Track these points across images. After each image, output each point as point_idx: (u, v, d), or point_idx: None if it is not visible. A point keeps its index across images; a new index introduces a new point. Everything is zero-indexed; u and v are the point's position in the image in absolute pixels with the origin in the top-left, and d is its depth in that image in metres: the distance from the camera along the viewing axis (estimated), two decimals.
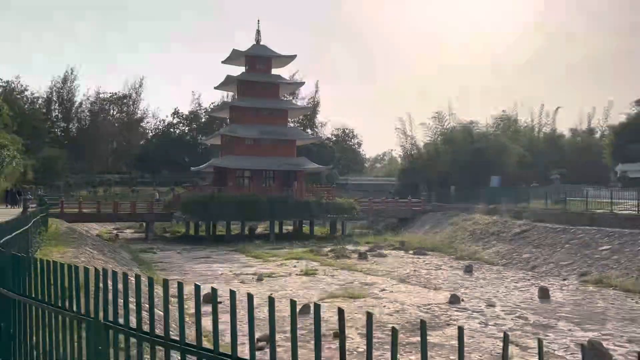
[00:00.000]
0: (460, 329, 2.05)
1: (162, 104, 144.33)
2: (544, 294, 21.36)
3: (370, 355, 2.09)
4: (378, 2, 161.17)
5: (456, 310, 18.59)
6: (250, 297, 2.80)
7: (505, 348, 2.00)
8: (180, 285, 3.04)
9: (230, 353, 2.79)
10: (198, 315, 3.05)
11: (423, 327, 2.04)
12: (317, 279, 25.34)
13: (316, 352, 2.38)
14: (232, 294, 2.89)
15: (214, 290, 3.07)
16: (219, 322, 3.00)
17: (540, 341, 2.23)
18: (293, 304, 2.60)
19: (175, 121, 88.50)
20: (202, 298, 3.11)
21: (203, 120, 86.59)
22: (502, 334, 15.37)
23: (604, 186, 43.16)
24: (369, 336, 2.04)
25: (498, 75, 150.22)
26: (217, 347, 2.91)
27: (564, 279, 25.67)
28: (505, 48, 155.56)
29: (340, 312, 2.24)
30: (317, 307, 2.33)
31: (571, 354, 13.67)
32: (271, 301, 2.72)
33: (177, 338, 3.08)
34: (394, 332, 2.06)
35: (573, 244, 29.60)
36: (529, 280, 25.65)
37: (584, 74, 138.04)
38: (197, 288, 3.01)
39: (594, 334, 15.37)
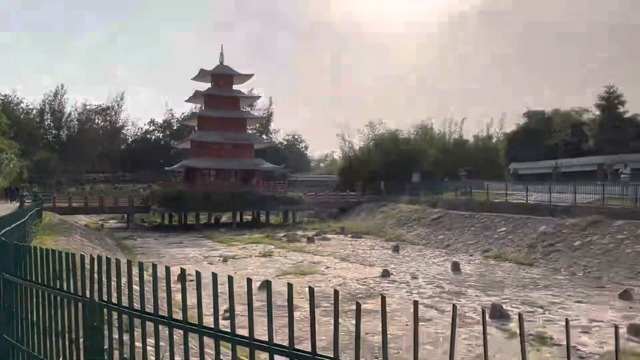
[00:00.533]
0: (415, 303, 2.00)
1: (140, 111, 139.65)
2: (455, 267, 21.82)
3: (337, 327, 2.02)
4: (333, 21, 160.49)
5: (387, 283, 18.78)
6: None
7: (453, 319, 1.96)
8: (167, 269, 2.90)
9: (212, 326, 2.69)
10: (184, 293, 2.92)
11: (383, 302, 1.99)
12: (273, 259, 25.15)
13: (290, 322, 2.30)
14: (214, 276, 2.77)
15: (193, 270, 2.95)
16: (205, 297, 2.90)
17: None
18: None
19: (151, 128, 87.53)
20: (186, 278, 3.00)
21: (175, 128, 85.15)
22: (425, 300, 15.61)
23: (500, 180, 44.46)
24: (336, 310, 1.97)
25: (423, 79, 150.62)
26: (201, 321, 2.81)
27: (471, 255, 26.32)
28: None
29: (311, 290, 2.16)
30: (290, 286, 2.25)
31: (478, 314, 13.99)
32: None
33: (166, 315, 2.94)
34: (358, 306, 2.00)
35: (477, 227, 30.37)
36: (443, 256, 26.16)
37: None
38: (183, 272, 2.89)
39: (496, 298, 15.80)
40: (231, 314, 2.61)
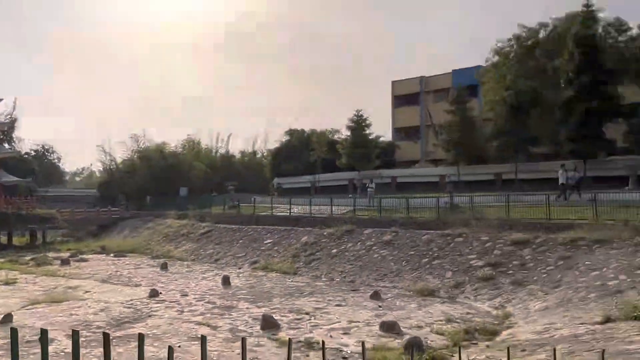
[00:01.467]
0: (243, 340, 1.74)
1: None
2: (226, 281, 21.79)
3: None
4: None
5: (155, 303, 17.69)
6: None
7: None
8: None
9: None
10: None
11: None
12: (18, 287, 21.54)
13: None
14: None
15: None
16: None
17: (170, 348, 2.01)
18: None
19: None
20: None
21: None
22: (196, 318, 15.10)
23: (266, 194, 46.48)
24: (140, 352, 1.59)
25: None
26: None
27: (240, 268, 26.71)
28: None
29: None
30: (76, 332, 1.77)
31: (251, 326, 14.11)
32: None
33: None
34: (172, 348, 1.65)
35: (245, 240, 31.04)
36: (213, 271, 25.97)
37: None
38: None
39: (266, 309, 16.15)
40: None
